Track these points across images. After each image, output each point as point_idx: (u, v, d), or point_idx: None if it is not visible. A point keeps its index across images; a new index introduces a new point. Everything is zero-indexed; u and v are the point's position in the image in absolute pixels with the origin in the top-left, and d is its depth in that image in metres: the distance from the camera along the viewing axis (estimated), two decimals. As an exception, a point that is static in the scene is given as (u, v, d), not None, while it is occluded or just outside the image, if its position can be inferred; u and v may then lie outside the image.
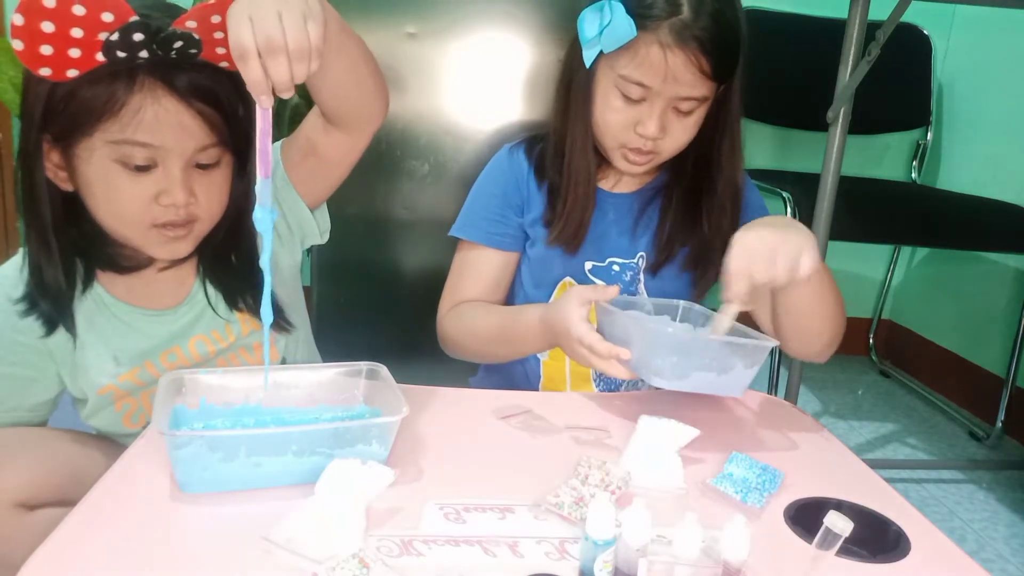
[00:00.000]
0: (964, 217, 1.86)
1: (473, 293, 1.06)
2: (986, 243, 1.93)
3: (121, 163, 0.78)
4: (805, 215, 1.58)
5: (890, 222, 1.80)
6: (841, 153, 1.50)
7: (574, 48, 0.97)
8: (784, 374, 1.69)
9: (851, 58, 1.46)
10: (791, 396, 1.63)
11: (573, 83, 0.99)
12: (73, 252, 0.85)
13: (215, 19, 0.72)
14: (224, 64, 0.78)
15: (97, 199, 0.81)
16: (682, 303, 0.96)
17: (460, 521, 0.66)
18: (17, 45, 0.69)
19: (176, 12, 0.75)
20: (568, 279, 1.06)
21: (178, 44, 0.74)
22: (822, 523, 0.58)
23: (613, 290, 0.87)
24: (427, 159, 1.36)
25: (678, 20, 0.88)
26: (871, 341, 2.52)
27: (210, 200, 0.84)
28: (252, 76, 0.65)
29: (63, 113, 0.76)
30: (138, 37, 0.72)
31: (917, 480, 1.79)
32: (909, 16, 1.47)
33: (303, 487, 0.66)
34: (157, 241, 0.83)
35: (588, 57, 0.93)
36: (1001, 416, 1.99)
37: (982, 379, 2.12)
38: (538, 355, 1.07)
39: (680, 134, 0.96)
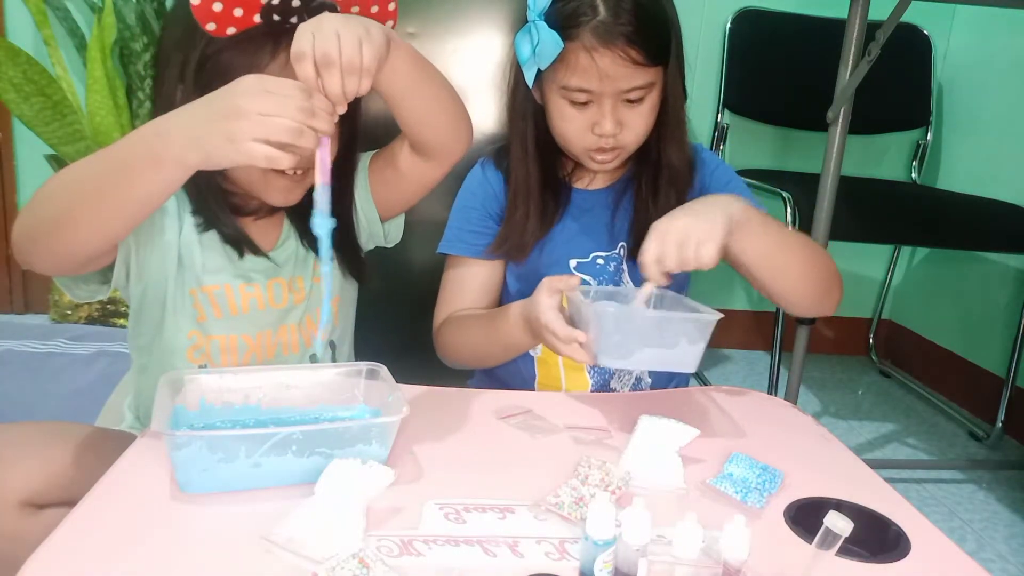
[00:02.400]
0: (964, 217, 1.85)
1: (463, 304, 1.09)
2: (986, 243, 1.93)
3: None
4: (805, 215, 1.58)
5: (890, 222, 1.79)
6: (841, 153, 1.50)
7: (517, 70, 1.01)
8: (784, 374, 1.69)
9: (851, 58, 1.46)
10: (791, 396, 1.63)
11: (515, 104, 1.04)
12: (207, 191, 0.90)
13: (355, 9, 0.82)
14: None
15: None
16: (655, 289, 0.94)
17: (460, 521, 0.66)
18: (194, 0, 0.75)
19: None
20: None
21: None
22: (822, 523, 0.58)
23: (575, 279, 0.90)
24: (427, 159, 1.35)
25: (597, 21, 0.91)
26: (871, 341, 2.52)
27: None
28: (304, 75, 0.71)
29: (213, 69, 0.82)
30: (296, 2, 0.79)
31: (917, 480, 1.79)
32: (909, 16, 1.47)
33: (303, 487, 0.66)
34: (277, 186, 0.88)
35: (529, 78, 0.97)
36: (1001, 416, 1.98)
37: (982, 379, 2.12)
38: (531, 352, 1.08)
39: (638, 123, 0.98)
